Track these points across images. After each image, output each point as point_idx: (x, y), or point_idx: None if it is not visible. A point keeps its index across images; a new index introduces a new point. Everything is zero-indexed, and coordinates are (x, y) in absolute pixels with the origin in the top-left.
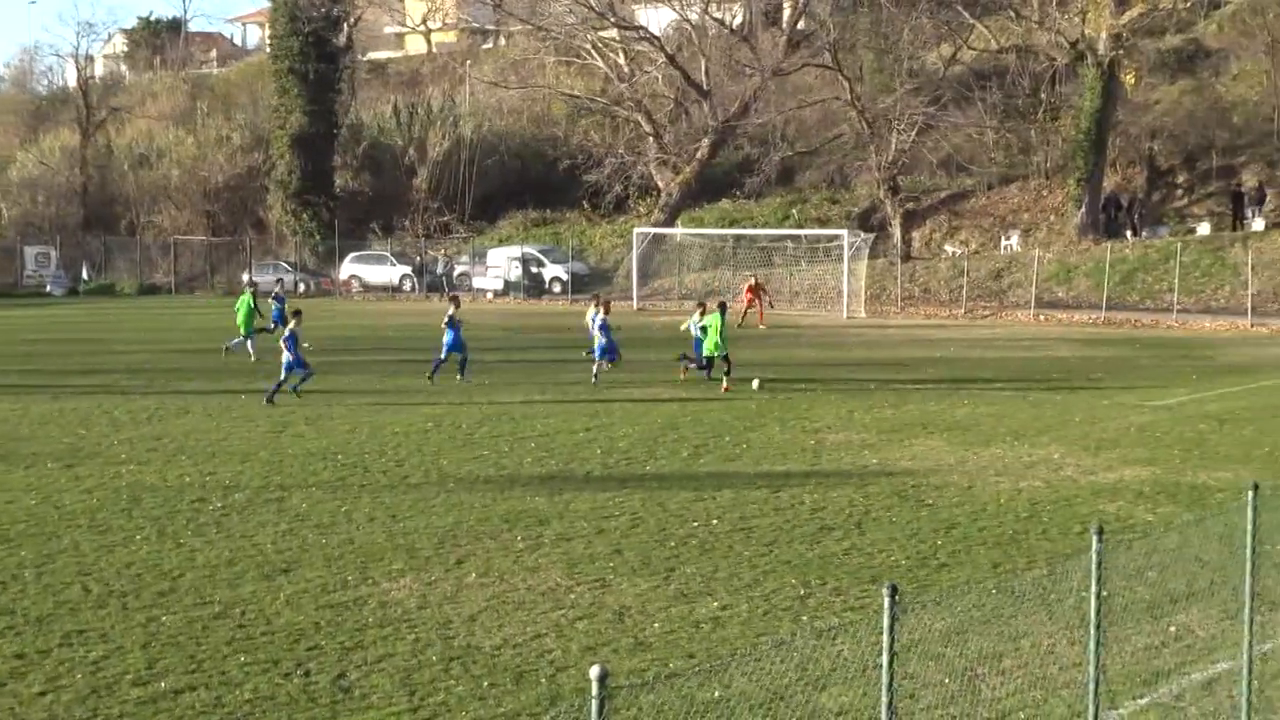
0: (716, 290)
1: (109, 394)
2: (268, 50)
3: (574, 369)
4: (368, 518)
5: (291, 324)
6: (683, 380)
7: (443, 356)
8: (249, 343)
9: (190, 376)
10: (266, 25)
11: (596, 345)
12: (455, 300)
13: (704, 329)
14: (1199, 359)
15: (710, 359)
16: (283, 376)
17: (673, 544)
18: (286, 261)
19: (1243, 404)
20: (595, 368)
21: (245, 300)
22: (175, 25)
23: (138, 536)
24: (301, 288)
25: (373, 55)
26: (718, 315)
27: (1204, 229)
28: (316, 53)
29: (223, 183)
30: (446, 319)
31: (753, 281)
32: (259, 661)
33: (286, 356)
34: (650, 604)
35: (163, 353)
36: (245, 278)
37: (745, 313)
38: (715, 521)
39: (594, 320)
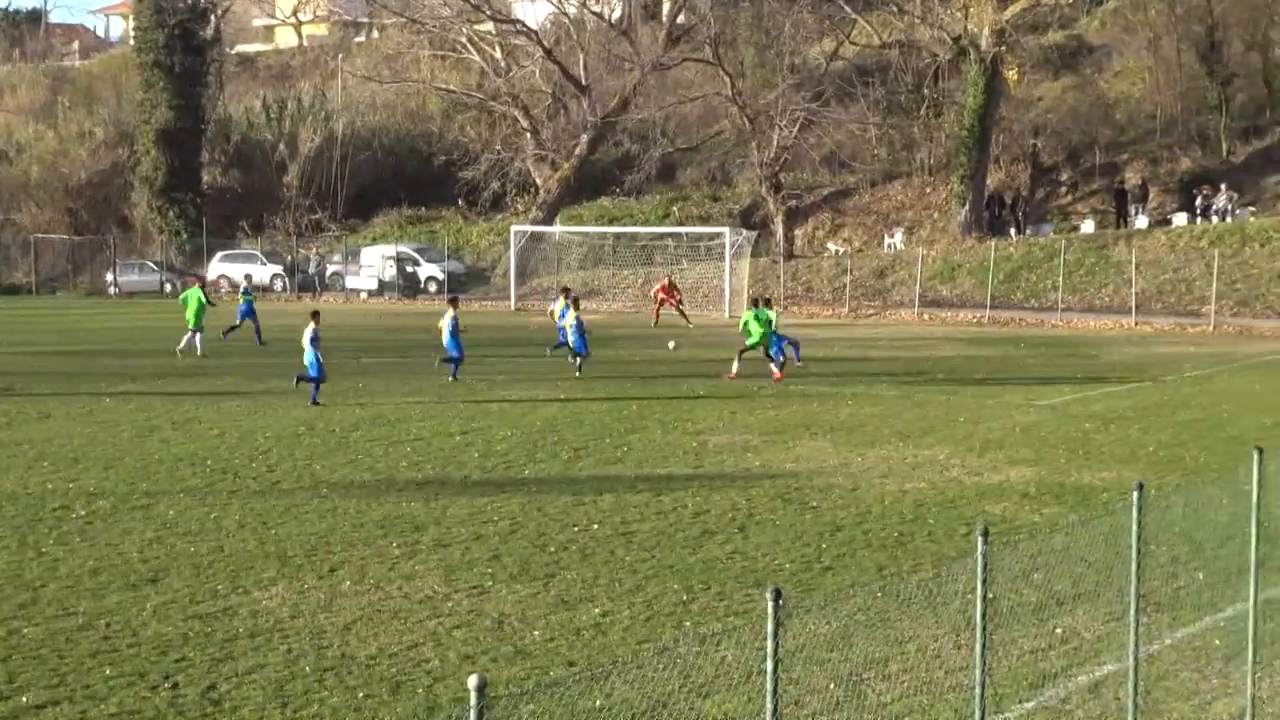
0: (596, 289)
1: None
2: (132, 42)
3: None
4: (238, 525)
5: (313, 324)
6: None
7: (457, 355)
8: (197, 338)
9: (52, 380)
10: (131, 17)
11: (572, 339)
12: (454, 302)
13: (745, 325)
14: (1084, 358)
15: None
16: (316, 374)
17: (552, 549)
18: (152, 261)
19: (1127, 403)
20: (579, 361)
21: (195, 294)
22: (35, 16)
23: None
24: (168, 287)
25: (241, 48)
26: (765, 311)
27: (1088, 227)
28: (183, 45)
29: (85, 179)
30: (450, 321)
31: (666, 281)
32: (125, 674)
33: (311, 356)
34: (530, 611)
35: (23, 355)
36: (202, 272)
37: (658, 311)
38: (596, 526)
39: (563, 315)
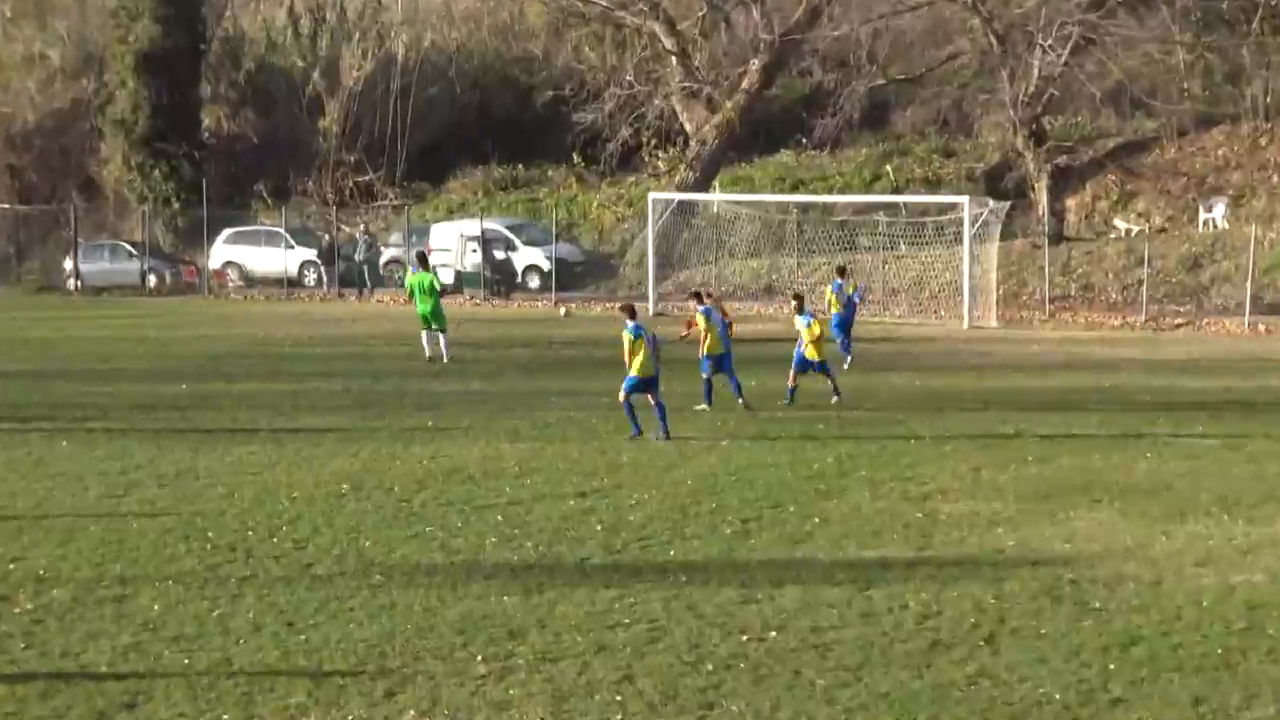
0: (773, 286)
1: None
2: None
3: (558, 402)
4: (252, 627)
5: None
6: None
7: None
8: (442, 339)
9: None
10: None
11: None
12: (631, 311)
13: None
14: None
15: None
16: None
17: (710, 668)
18: (130, 242)
19: None
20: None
21: (424, 279)
22: None
23: None
24: (152, 280)
25: None
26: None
27: None
28: None
29: (34, 124)
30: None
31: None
32: None
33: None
34: None
35: None
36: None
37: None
38: (774, 634)
39: (723, 330)
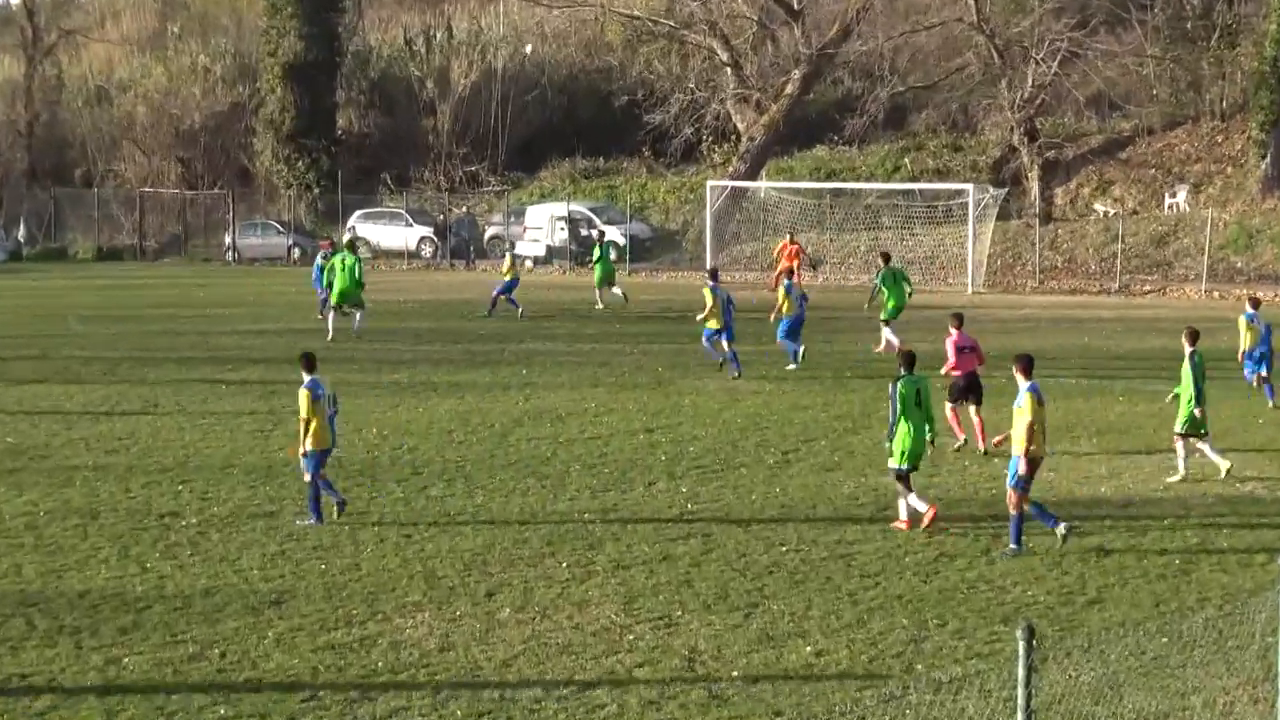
0: (811, 258)
1: (58, 384)
2: None
3: (631, 356)
4: (377, 538)
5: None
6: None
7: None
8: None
9: (159, 364)
10: None
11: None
12: (714, 274)
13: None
14: None
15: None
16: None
17: (755, 574)
18: (278, 221)
19: None
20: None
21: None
22: None
23: (95, 559)
24: (296, 253)
25: None
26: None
27: None
28: None
29: (200, 123)
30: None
31: (789, 241)
32: (243, 715)
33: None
34: (728, 648)
35: (127, 333)
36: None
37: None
38: (808, 547)
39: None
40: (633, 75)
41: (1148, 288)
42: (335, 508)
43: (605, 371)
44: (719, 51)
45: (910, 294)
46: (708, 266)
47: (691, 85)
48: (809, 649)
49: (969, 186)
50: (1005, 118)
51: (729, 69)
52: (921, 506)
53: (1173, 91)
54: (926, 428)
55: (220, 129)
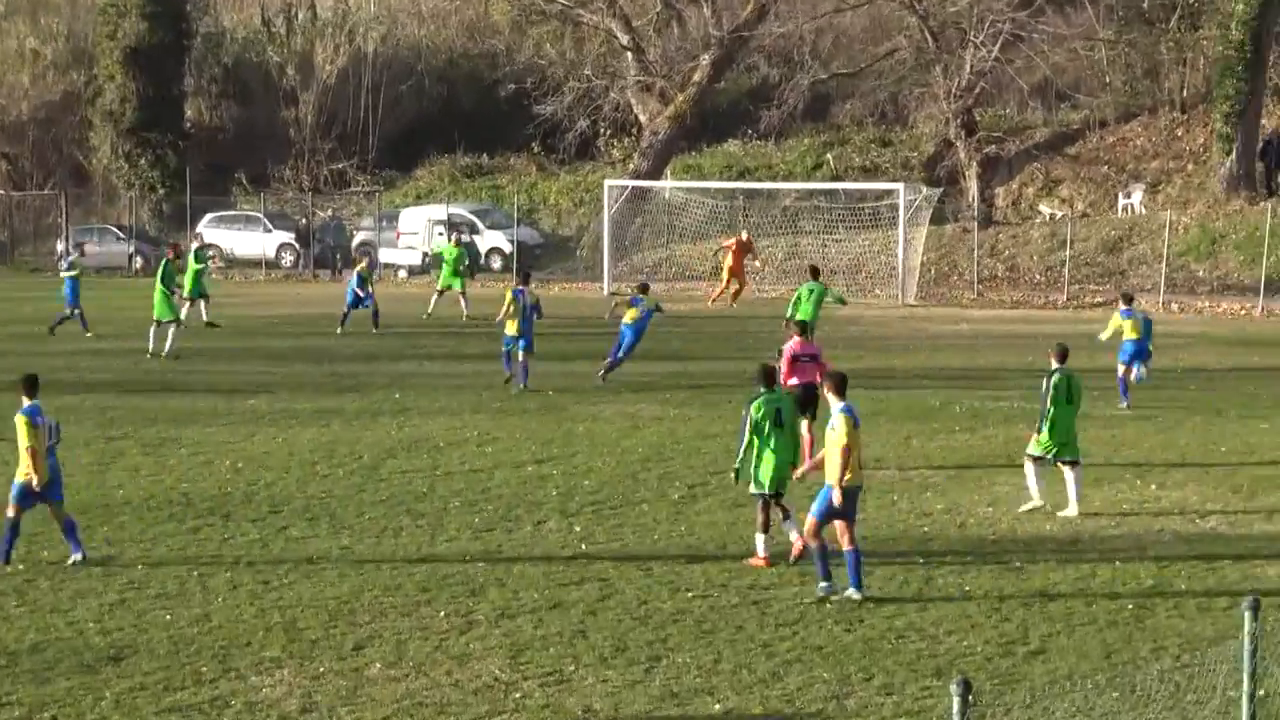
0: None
1: None
2: None
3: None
4: (230, 585)
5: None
6: None
7: (620, 355)
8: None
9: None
10: None
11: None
12: (643, 288)
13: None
14: None
15: None
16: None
17: (657, 623)
18: (117, 226)
19: None
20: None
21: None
22: None
23: None
24: (139, 262)
25: None
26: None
27: None
28: None
29: (28, 115)
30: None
31: (743, 237)
32: None
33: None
34: (626, 706)
35: None
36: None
37: (728, 282)
38: (717, 592)
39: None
40: (521, 61)
41: (1099, 299)
42: (76, 558)
43: (489, 396)
44: (618, 34)
45: (841, 303)
46: (604, 273)
47: (587, 72)
48: (718, 706)
49: (899, 186)
50: (940, 109)
51: (630, 54)
52: (793, 536)
53: (1127, 79)
54: (792, 449)
55: (51, 121)
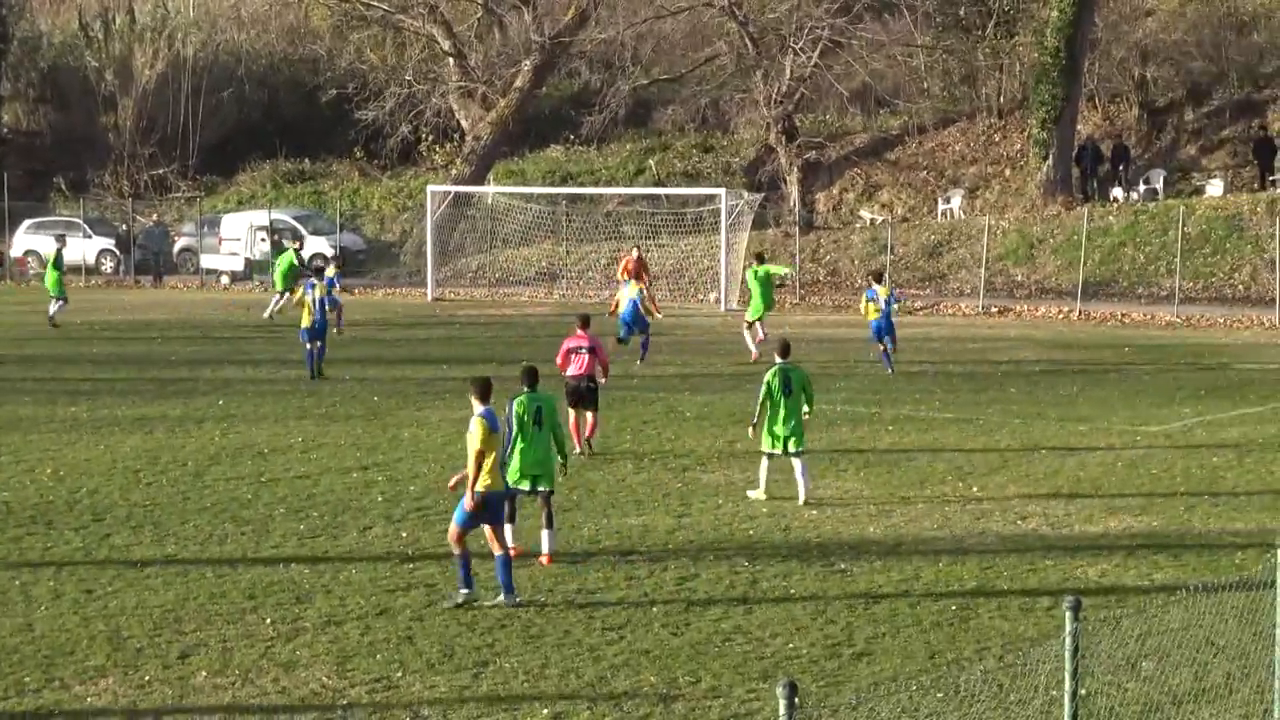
0: (548, 271)
1: None
2: None
3: (343, 384)
4: (52, 595)
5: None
6: None
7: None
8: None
9: None
10: None
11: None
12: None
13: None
14: (1210, 367)
15: None
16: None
17: (484, 629)
18: None
19: (1272, 430)
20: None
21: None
22: None
23: None
24: None
25: None
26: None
27: (1216, 188)
28: None
29: None
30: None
31: (634, 255)
32: None
33: None
34: (454, 712)
35: None
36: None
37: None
38: (543, 597)
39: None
40: (342, 66)
41: (919, 304)
42: None
43: (313, 402)
44: (440, 39)
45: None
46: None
47: (409, 77)
48: (545, 711)
49: (721, 191)
50: (761, 115)
51: (451, 59)
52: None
53: (945, 86)
54: (552, 447)
55: None
